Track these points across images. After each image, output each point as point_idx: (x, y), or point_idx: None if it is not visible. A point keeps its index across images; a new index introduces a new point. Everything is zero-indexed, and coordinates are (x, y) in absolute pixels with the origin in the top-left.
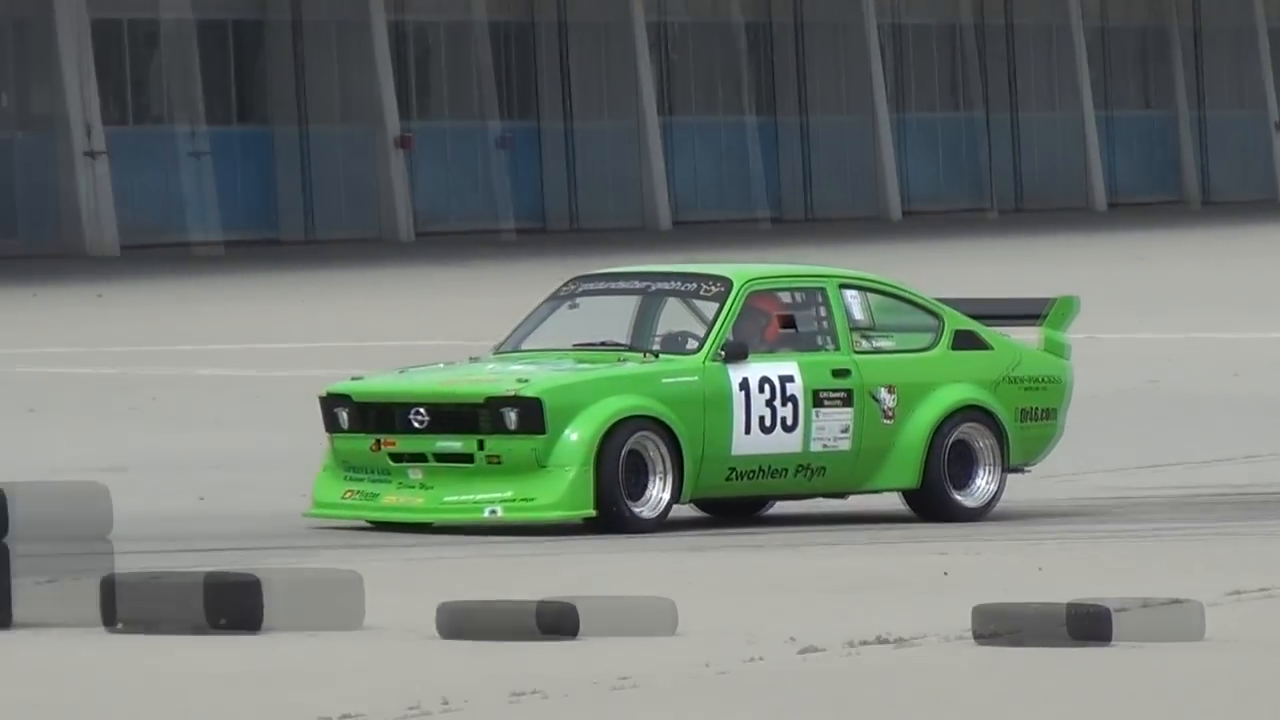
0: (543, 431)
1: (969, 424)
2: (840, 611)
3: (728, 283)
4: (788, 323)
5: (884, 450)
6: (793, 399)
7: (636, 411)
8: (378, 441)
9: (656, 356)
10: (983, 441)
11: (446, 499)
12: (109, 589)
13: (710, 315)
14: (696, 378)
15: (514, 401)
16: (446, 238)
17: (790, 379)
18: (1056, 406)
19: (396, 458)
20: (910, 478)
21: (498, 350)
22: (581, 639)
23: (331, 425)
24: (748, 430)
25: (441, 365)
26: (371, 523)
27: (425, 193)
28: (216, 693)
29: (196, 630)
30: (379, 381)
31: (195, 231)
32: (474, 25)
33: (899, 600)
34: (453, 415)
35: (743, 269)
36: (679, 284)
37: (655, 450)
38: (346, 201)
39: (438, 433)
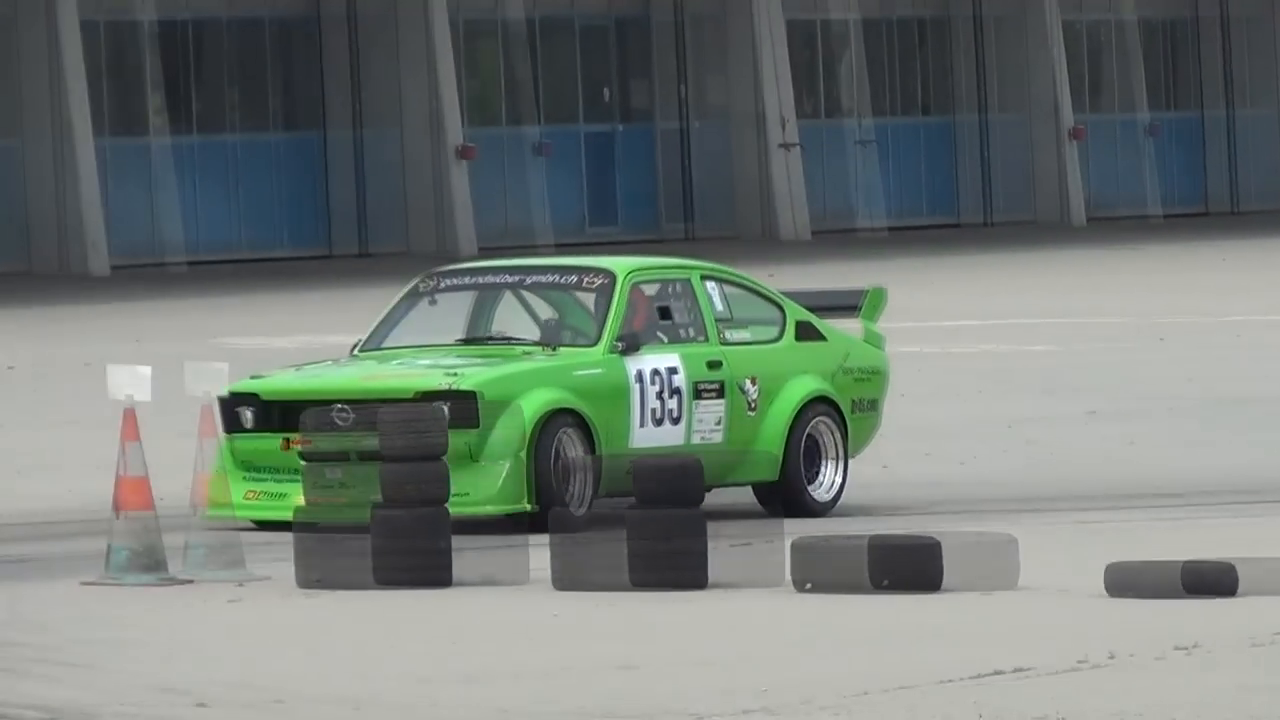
0: (476, 425)
1: (818, 417)
2: None
3: (611, 275)
4: (665, 313)
5: (749, 442)
6: (678, 391)
7: (561, 404)
8: (287, 440)
9: (555, 350)
10: (830, 434)
11: (374, 496)
12: (798, 552)
13: (590, 307)
14: (601, 370)
15: (447, 395)
16: (1114, 222)
17: (675, 370)
18: (878, 398)
19: (309, 457)
20: (771, 470)
21: (362, 348)
22: (1240, 597)
23: (232, 425)
24: (643, 423)
25: (331, 363)
26: (259, 524)
27: (1093, 179)
28: (895, 646)
29: (873, 590)
30: (287, 379)
31: (862, 218)
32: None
33: None
34: (370, 411)
35: (621, 261)
36: (556, 277)
37: (572, 445)
38: (1019, 186)
39: (363, 430)
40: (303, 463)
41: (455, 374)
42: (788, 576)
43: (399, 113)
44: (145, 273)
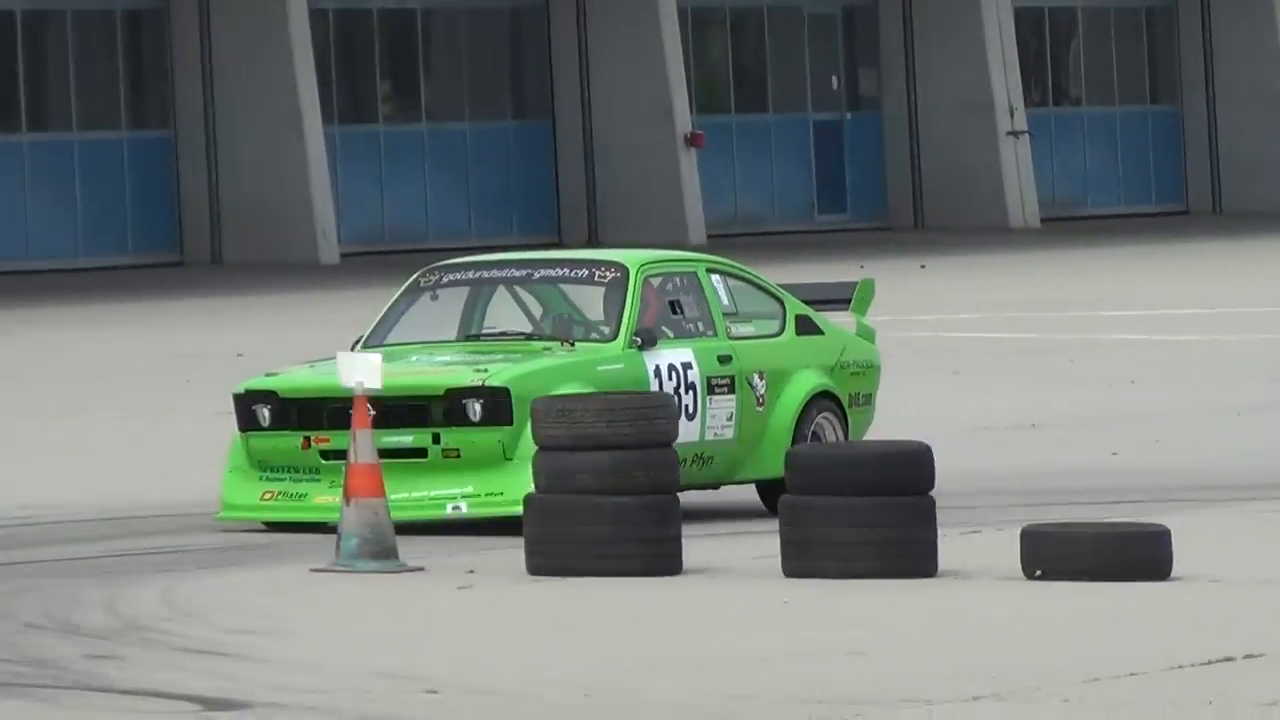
0: (509, 423)
1: (822, 412)
2: None
3: (623, 268)
4: (675, 307)
5: (757, 439)
6: (693, 386)
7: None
8: (307, 439)
9: (574, 345)
10: (832, 429)
11: (395, 496)
12: (1028, 539)
13: (600, 302)
14: (622, 365)
15: (478, 392)
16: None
17: (689, 365)
18: (873, 392)
19: (329, 455)
20: (778, 467)
21: (365, 344)
22: None
23: (249, 424)
24: None
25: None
26: (281, 525)
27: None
28: (1125, 633)
29: (1101, 578)
30: (306, 376)
31: (1091, 206)
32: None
33: None
34: (402, 409)
35: (631, 254)
36: (565, 270)
37: None
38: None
39: (384, 427)
40: (323, 461)
41: (484, 370)
42: (1018, 564)
43: (628, 101)
44: (373, 261)
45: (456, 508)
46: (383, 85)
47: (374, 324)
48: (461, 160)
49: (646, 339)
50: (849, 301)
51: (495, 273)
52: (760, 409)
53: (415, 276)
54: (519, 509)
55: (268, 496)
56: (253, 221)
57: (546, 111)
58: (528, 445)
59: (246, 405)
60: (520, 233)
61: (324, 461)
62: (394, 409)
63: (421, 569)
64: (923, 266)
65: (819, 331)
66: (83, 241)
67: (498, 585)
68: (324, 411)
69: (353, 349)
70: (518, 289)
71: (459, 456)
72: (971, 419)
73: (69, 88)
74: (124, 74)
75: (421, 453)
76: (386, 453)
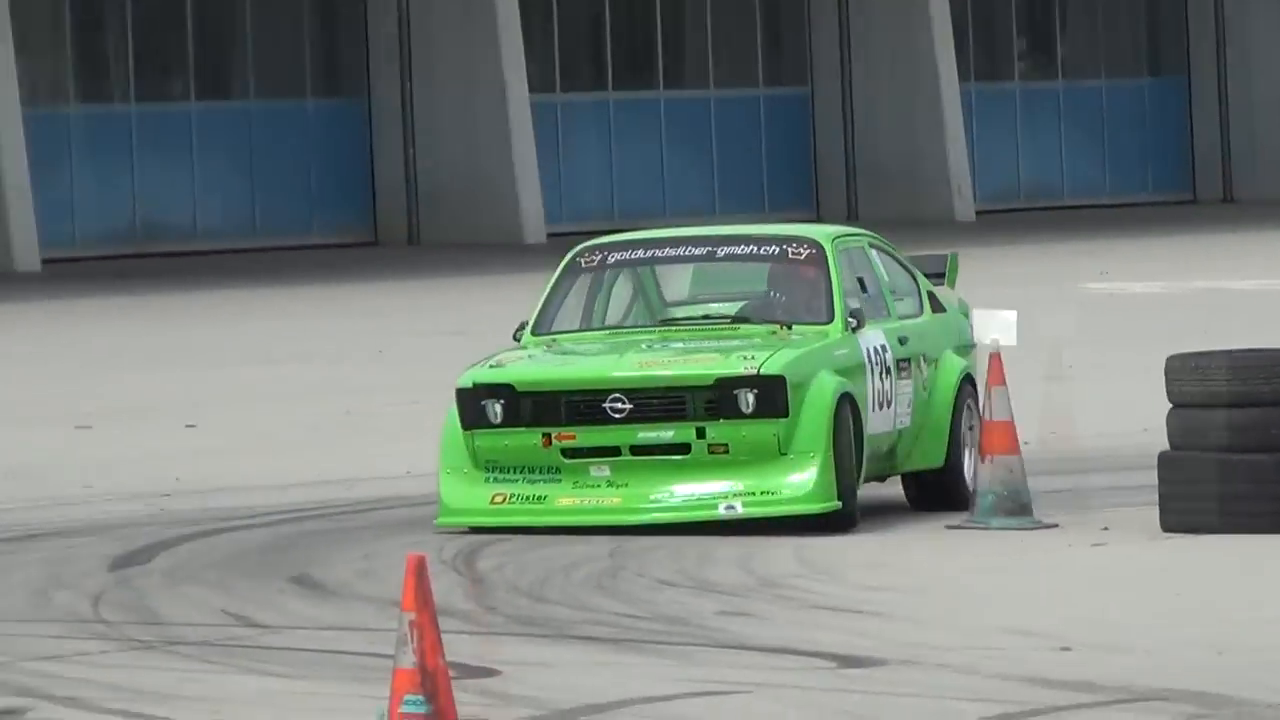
0: (786, 414)
1: (967, 398)
2: None
3: (818, 244)
4: (862, 285)
5: (922, 426)
6: (889, 370)
7: (845, 389)
8: (548, 436)
9: (790, 328)
10: (969, 415)
11: (655, 495)
12: None
13: (791, 281)
14: (847, 349)
15: (751, 382)
16: None
17: (885, 349)
18: (974, 371)
19: (572, 453)
20: (939, 456)
21: (533, 331)
22: None
23: (476, 420)
24: (873, 406)
25: (543, 351)
26: (499, 529)
27: None
28: None
29: None
30: (544, 368)
31: None
32: None
33: None
34: (660, 402)
35: (818, 229)
36: (754, 247)
37: (846, 432)
38: None
39: (638, 422)
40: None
41: (752, 357)
42: None
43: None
44: (1009, 218)
45: (730, 507)
46: (1019, 41)
47: (537, 308)
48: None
49: (860, 319)
50: (943, 275)
51: (669, 251)
52: (925, 394)
53: (572, 256)
54: (797, 509)
55: (499, 499)
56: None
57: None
58: (805, 439)
59: (475, 401)
60: (1154, 189)
61: (565, 460)
62: (653, 402)
63: (1056, 525)
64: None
65: (943, 309)
66: (719, 201)
67: (1131, 542)
68: (563, 406)
69: (515, 336)
70: (714, 266)
71: (727, 452)
72: None
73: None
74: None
75: (682, 449)
76: (641, 449)
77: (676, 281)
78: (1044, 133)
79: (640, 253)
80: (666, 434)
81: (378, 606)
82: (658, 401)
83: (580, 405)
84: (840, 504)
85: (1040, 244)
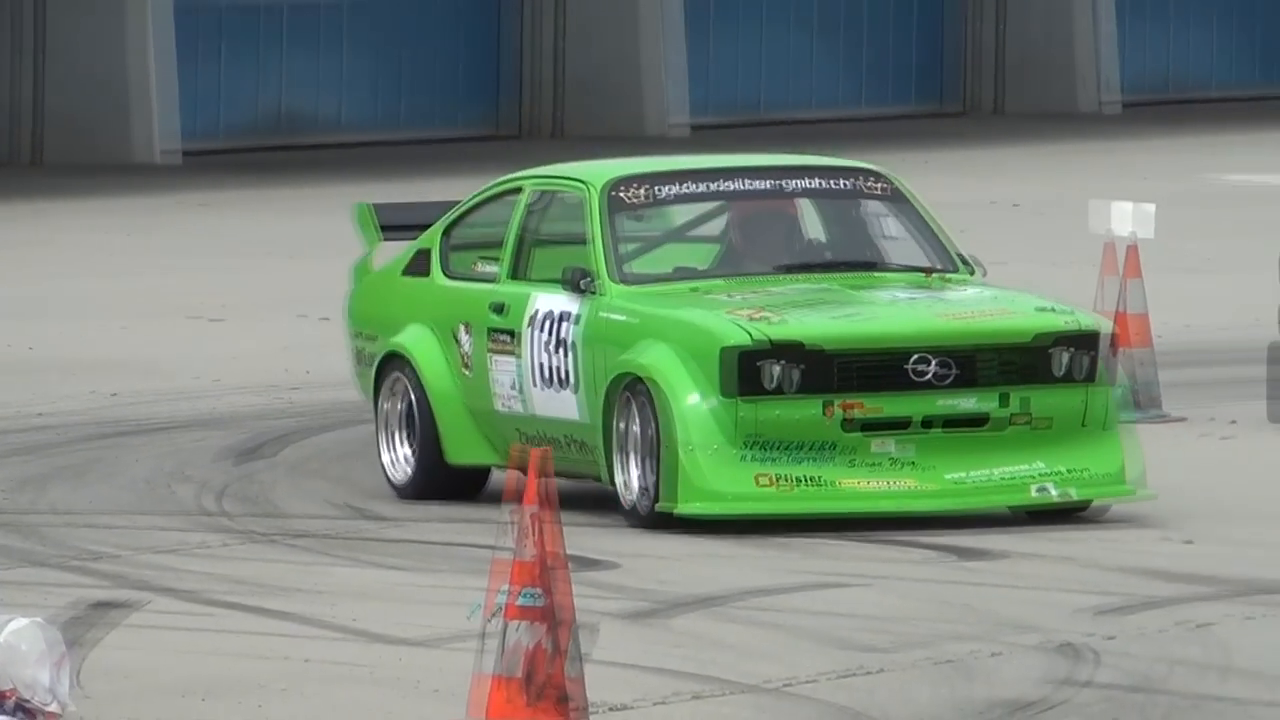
0: (1094, 379)
1: None
2: None
3: (885, 176)
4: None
5: None
6: None
7: None
8: (829, 404)
9: (931, 274)
10: None
11: (951, 475)
12: None
13: (872, 220)
14: None
15: (1070, 339)
16: None
17: None
18: None
19: (856, 424)
20: None
21: (622, 280)
22: None
23: (746, 385)
24: None
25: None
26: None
27: None
28: None
29: None
30: (841, 323)
31: None
32: None
33: None
34: (964, 364)
35: (862, 163)
36: (823, 180)
37: None
38: None
39: (937, 389)
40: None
41: (1048, 308)
42: None
43: None
44: (1154, 111)
45: (1043, 489)
46: None
47: (601, 251)
48: None
49: (974, 266)
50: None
51: (727, 184)
52: None
53: (606, 190)
54: (1114, 492)
55: (765, 481)
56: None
57: None
58: (1103, 409)
59: (749, 362)
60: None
61: (844, 434)
62: (958, 363)
63: (1184, 419)
64: None
65: None
66: (865, 92)
67: (1259, 436)
68: (854, 369)
69: (578, 286)
70: (795, 203)
71: (1029, 424)
72: None
73: None
74: None
75: (980, 420)
76: (932, 421)
77: (775, 216)
78: (1195, 24)
79: (692, 186)
80: (968, 402)
81: (494, 499)
82: (963, 363)
83: (879, 367)
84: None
85: (1184, 137)
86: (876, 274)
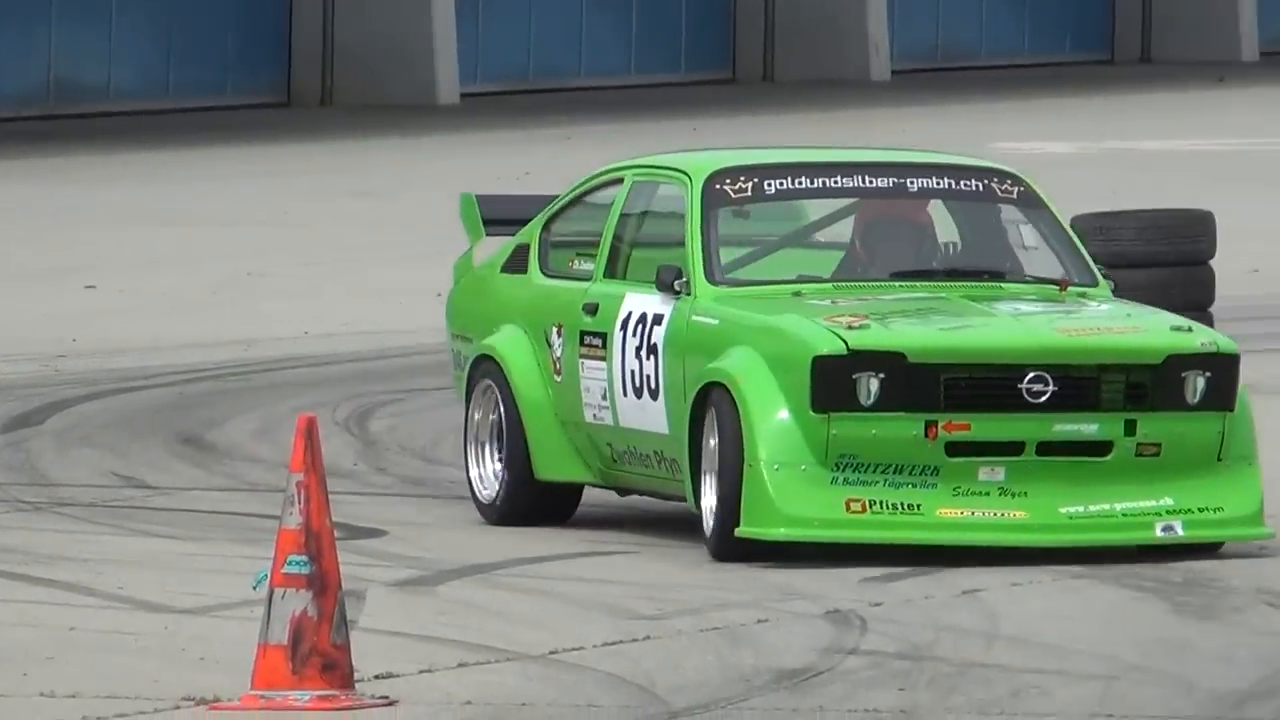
0: (1233, 407)
1: None
2: None
3: (1021, 180)
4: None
5: None
6: None
7: None
8: (932, 425)
9: (1066, 288)
10: None
11: (1066, 509)
12: None
13: (1008, 227)
14: None
15: (1205, 361)
16: None
17: None
18: None
19: (961, 448)
20: None
21: (715, 280)
22: None
23: (839, 399)
24: None
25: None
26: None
27: None
28: None
29: None
30: (949, 334)
31: None
32: None
33: None
34: (1085, 385)
35: (988, 161)
36: (951, 181)
37: None
38: None
39: (1055, 410)
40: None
41: (1185, 328)
42: None
43: None
44: (924, 79)
45: (1169, 528)
46: None
47: (699, 250)
48: None
49: (1114, 282)
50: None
51: (844, 181)
52: None
53: (708, 182)
54: (1248, 532)
55: (857, 507)
56: (809, 40)
57: None
58: (1242, 441)
59: (843, 374)
60: (1073, 49)
61: (948, 459)
62: (1074, 384)
63: None
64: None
65: None
66: (636, 59)
67: None
68: (965, 384)
69: (672, 288)
70: (895, 205)
71: (1158, 454)
72: None
73: None
74: None
75: (1102, 448)
76: (1047, 447)
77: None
78: None
79: (805, 181)
80: (1090, 427)
81: (267, 467)
82: (1083, 384)
83: (990, 384)
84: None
85: (955, 104)
86: (1006, 285)
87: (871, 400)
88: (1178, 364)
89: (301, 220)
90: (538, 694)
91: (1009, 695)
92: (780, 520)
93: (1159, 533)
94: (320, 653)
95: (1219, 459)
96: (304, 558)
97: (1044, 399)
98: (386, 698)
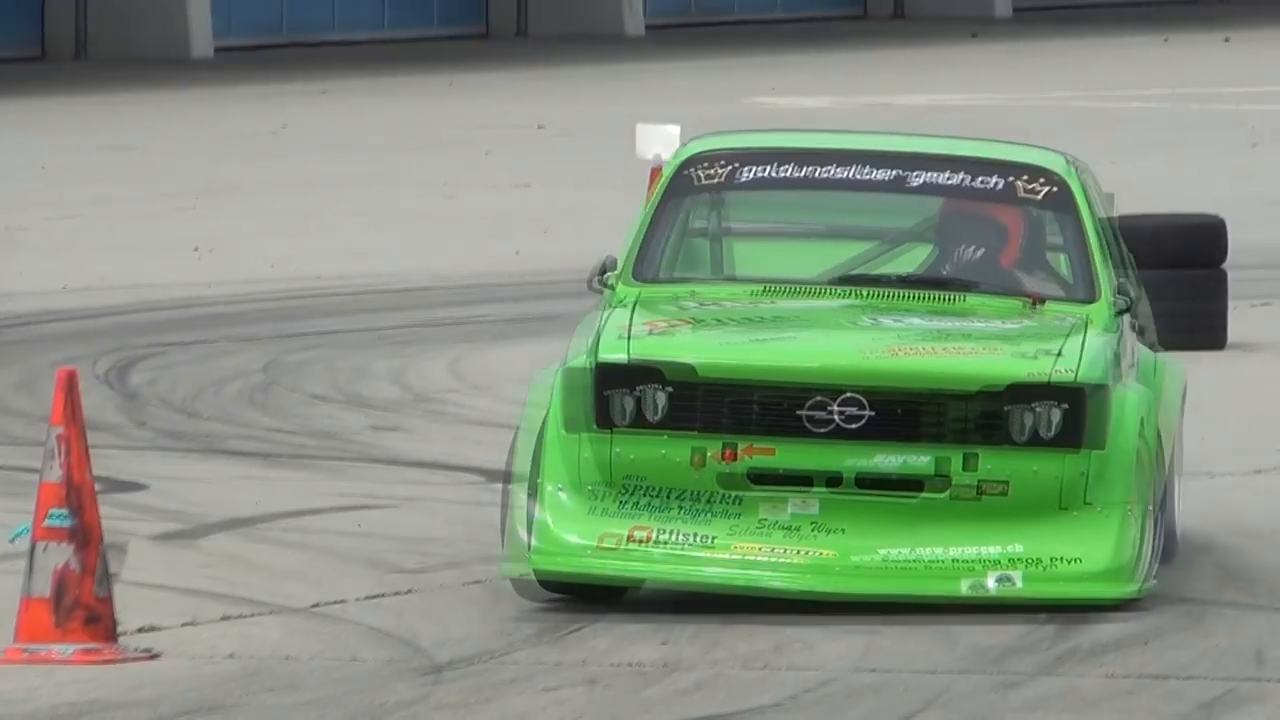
0: (1101, 445)
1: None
2: None
3: (1057, 176)
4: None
5: None
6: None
7: (1145, 410)
8: (731, 448)
9: (1043, 304)
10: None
11: (885, 551)
12: None
13: (1024, 229)
14: (1127, 344)
15: (1060, 394)
16: None
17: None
18: None
19: (764, 477)
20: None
21: (635, 275)
22: None
23: (621, 415)
24: None
25: (713, 323)
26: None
27: None
28: None
29: None
30: (748, 347)
31: None
32: None
33: None
34: (912, 412)
35: (1047, 152)
36: (966, 176)
37: None
38: None
39: (875, 439)
40: (749, 491)
41: (1050, 355)
42: None
43: None
44: (678, 34)
45: (1005, 579)
46: None
47: (635, 240)
48: None
49: (1129, 299)
50: None
51: (833, 171)
52: None
53: (682, 164)
54: (1092, 591)
55: (643, 537)
56: None
57: None
58: (1108, 486)
59: (625, 385)
60: (828, 5)
61: (751, 487)
62: (889, 411)
63: None
64: (1226, 39)
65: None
66: (389, 13)
67: None
68: (756, 405)
69: (601, 280)
70: (903, 199)
71: (1004, 494)
72: (1270, 191)
73: None
74: None
75: (938, 482)
76: (867, 480)
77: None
78: None
79: (788, 169)
80: (920, 460)
81: (28, 421)
82: (910, 410)
83: (795, 406)
84: (1138, 587)
85: (710, 60)
86: (971, 298)
87: (660, 416)
88: (1025, 394)
89: (58, 174)
90: (301, 647)
91: (772, 649)
92: (549, 552)
93: (990, 585)
94: (83, 606)
95: (1085, 502)
96: (66, 511)
97: (859, 425)
98: (150, 650)
